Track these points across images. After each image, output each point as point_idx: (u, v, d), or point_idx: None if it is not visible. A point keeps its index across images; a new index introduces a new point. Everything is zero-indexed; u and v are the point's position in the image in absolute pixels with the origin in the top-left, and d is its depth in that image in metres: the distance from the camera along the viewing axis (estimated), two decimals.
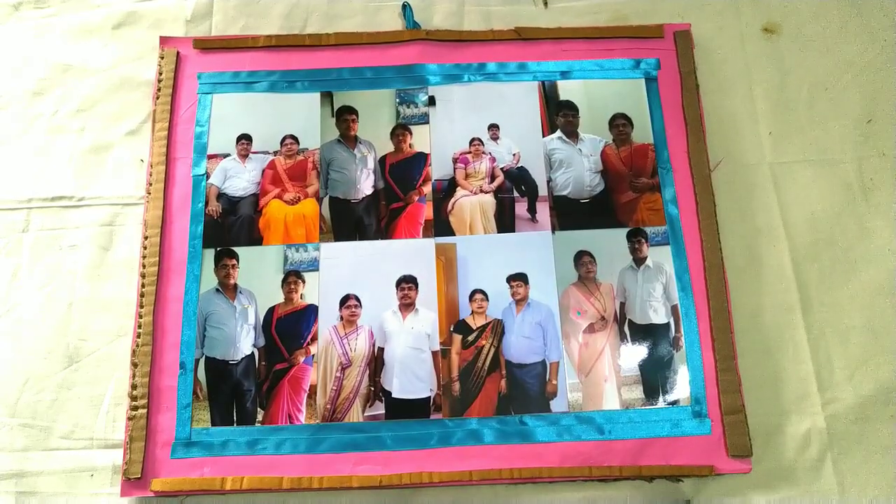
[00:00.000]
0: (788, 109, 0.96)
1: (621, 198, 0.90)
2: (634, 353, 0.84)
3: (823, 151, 0.94)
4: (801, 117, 0.95)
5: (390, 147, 0.93)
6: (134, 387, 0.82)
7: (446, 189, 0.91)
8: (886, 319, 0.86)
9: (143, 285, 0.86)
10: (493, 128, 0.93)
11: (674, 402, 0.82)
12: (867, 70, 0.97)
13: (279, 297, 0.87)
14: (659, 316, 0.85)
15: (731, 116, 0.95)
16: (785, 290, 0.88)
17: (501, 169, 0.92)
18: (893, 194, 0.91)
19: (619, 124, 0.93)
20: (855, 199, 0.91)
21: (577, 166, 0.91)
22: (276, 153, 0.93)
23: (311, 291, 0.87)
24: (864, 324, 0.86)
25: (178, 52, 0.96)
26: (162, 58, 0.96)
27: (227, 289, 0.87)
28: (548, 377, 0.83)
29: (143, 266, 0.87)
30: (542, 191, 0.91)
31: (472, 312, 0.86)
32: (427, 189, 0.91)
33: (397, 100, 0.94)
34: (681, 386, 0.83)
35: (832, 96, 0.96)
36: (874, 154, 0.93)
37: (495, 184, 0.91)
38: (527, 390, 0.83)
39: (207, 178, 0.91)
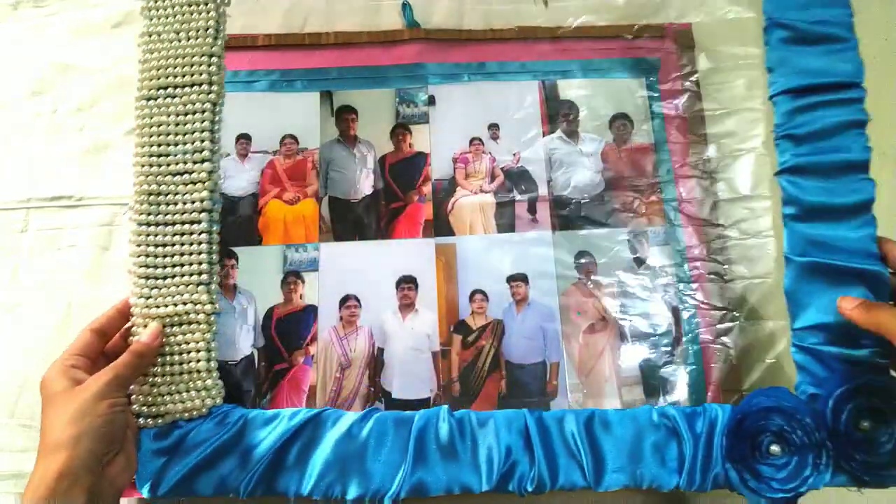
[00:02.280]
0: None
1: (622, 197, 0.90)
2: (635, 354, 0.84)
3: None
4: None
5: (390, 147, 0.93)
6: None
7: (446, 189, 0.91)
8: None
9: None
10: (493, 128, 0.93)
11: (674, 403, 0.82)
12: (867, 70, 0.96)
13: (278, 298, 0.86)
14: (659, 316, 0.85)
15: (732, 116, 0.95)
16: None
17: (501, 169, 0.92)
18: (893, 194, 0.91)
19: (619, 124, 0.93)
20: None
21: (578, 166, 0.91)
22: (275, 153, 0.92)
23: (311, 292, 0.87)
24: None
25: None
26: None
27: (227, 289, 0.87)
28: (548, 377, 0.83)
29: None
30: (543, 190, 0.90)
31: (472, 313, 0.86)
32: (427, 189, 0.91)
33: (397, 99, 0.94)
34: (681, 386, 0.83)
35: None
36: (874, 154, 0.92)
37: (495, 184, 0.91)
38: (527, 391, 0.83)
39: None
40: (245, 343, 0.85)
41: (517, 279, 0.87)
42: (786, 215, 0.71)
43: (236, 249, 0.88)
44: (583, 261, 0.87)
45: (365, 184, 0.91)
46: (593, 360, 0.84)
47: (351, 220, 0.89)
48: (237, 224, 0.89)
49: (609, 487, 0.67)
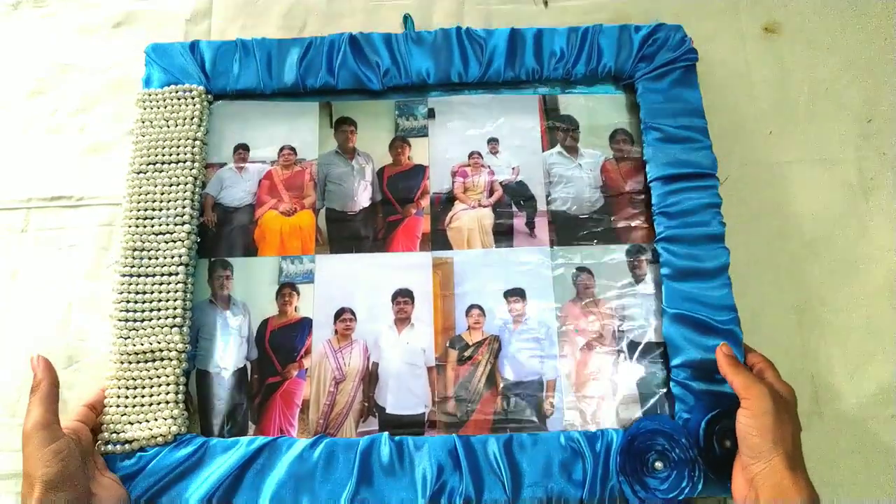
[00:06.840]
0: (788, 109, 0.95)
1: (621, 214, 0.89)
2: (632, 372, 0.83)
3: (824, 151, 0.93)
4: (801, 117, 0.95)
5: (389, 159, 0.92)
6: None
7: (444, 202, 0.90)
8: (886, 319, 0.86)
9: None
10: (493, 142, 0.92)
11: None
12: (867, 70, 0.97)
13: (273, 310, 0.86)
14: (657, 334, 0.84)
15: (732, 116, 0.94)
16: (785, 290, 0.88)
17: (500, 183, 0.91)
18: (893, 194, 0.91)
19: (620, 140, 0.92)
20: (855, 198, 0.91)
21: (577, 181, 0.90)
22: (273, 163, 0.92)
23: (306, 304, 0.86)
24: (864, 324, 0.86)
25: None
26: None
27: (221, 300, 0.87)
28: (544, 395, 0.83)
29: None
30: (541, 206, 0.89)
31: (469, 328, 0.85)
32: (425, 202, 0.90)
33: (396, 112, 0.93)
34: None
35: (832, 96, 0.96)
36: (874, 154, 0.93)
37: (494, 198, 0.90)
38: (523, 408, 0.82)
39: (203, 187, 0.90)
40: (238, 355, 0.85)
41: (514, 294, 0.86)
42: (663, 275, 0.84)
43: (231, 260, 0.88)
44: (581, 276, 0.87)
45: (363, 196, 0.90)
46: (590, 377, 0.83)
47: (348, 233, 0.89)
48: (233, 234, 0.89)
49: (526, 501, 0.75)
